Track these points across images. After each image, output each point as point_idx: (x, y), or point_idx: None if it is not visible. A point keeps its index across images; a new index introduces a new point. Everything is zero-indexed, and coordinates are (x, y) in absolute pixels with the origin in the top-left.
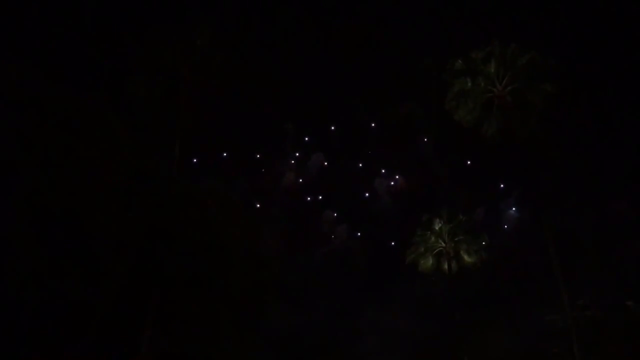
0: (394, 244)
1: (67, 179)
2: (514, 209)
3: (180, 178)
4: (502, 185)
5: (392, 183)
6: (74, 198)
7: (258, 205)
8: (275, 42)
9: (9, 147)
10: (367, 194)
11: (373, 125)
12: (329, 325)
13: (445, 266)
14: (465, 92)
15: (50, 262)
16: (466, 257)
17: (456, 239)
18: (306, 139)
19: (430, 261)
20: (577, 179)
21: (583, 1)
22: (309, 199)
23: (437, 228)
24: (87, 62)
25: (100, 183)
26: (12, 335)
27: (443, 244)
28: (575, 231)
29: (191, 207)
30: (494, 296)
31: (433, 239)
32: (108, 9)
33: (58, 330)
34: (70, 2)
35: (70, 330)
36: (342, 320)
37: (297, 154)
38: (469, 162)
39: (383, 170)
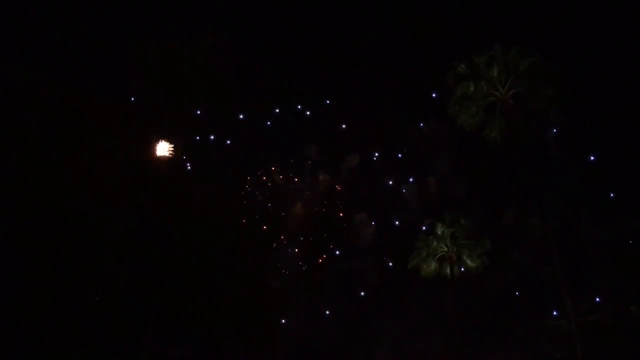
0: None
1: (68, 182)
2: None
3: (184, 182)
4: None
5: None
6: (76, 201)
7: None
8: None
9: (11, 148)
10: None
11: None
12: (339, 334)
13: (448, 270)
14: (468, 96)
15: (51, 266)
16: (469, 262)
17: (458, 243)
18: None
19: (432, 266)
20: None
21: (586, 4)
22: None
23: (439, 232)
24: (89, 66)
25: (103, 186)
26: (14, 340)
27: (445, 249)
28: (583, 240)
29: (195, 212)
30: (498, 301)
31: (435, 243)
32: (111, 12)
33: (59, 334)
34: (74, 4)
35: (71, 334)
36: (352, 330)
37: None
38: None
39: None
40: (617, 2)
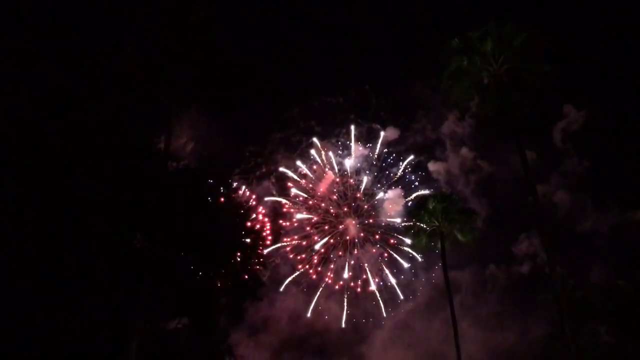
0: None
1: (60, 160)
2: None
3: (176, 161)
4: None
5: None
6: (67, 180)
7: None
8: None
9: (4, 127)
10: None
11: None
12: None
13: (439, 245)
14: (462, 70)
15: (41, 246)
16: (460, 236)
17: (450, 218)
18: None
19: (423, 240)
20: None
21: None
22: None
23: (430, 207)
24: (78, 40)
25: (94, 165)
26: (3, 320)
27: (437, 223)
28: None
29: (186, 191)
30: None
31: (426, 218)
32: None
33: (51, 307)
34: None
35: (63, 307)
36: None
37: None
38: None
39: None
40: None
